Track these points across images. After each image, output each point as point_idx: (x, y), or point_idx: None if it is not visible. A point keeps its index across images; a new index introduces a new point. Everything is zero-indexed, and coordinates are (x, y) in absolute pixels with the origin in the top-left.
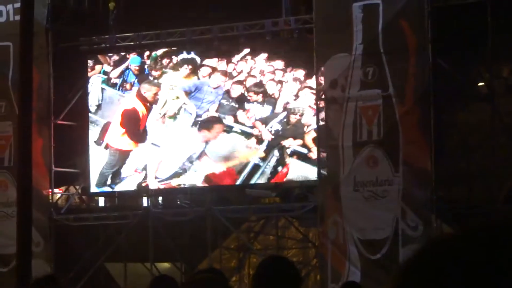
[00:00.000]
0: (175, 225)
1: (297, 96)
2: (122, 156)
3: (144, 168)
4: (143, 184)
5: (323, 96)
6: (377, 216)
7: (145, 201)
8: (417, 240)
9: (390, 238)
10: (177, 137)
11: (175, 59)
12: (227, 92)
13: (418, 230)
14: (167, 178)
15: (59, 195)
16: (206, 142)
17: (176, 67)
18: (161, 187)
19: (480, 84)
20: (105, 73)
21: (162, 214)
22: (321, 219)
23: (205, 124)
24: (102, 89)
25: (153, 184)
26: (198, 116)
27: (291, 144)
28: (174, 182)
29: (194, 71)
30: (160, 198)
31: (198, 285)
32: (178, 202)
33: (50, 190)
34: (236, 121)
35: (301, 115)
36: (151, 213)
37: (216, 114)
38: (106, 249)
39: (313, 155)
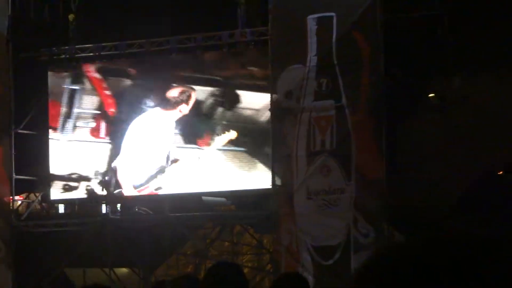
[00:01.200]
0: (133, 232)
1: None
2: None
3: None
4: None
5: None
6: (330, 223)
7: (103, 208)
8: (368, 247)
9: (342, 244)
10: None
11: None
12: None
13: (370, 238)
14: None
15: (19, 202)
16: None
17: None
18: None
19: (431, 94)
20: None
21: (120, 221)
22: (275, 226)
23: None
24: None
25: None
26: None
27: None
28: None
29: None
30: (118, 205)
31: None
32: (136, 210)
33: (11, 197)
34: None
35: None
36: (109, 220)
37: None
38: (66, 255)
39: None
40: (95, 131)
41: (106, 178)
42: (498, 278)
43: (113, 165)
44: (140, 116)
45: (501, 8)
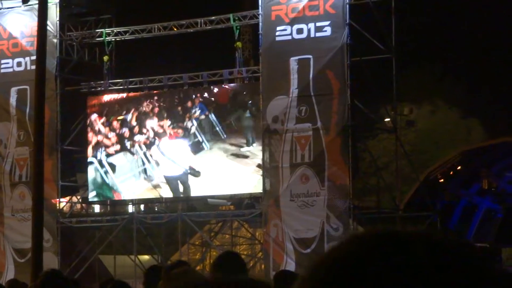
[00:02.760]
0: (154, 226)
1: None
2: None
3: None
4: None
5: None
6: (308, 220)
7: (130, 208)
8: (338, 238)
9: (318, 237)
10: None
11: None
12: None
13: (339, 231)
14: None
15: (64, 203)
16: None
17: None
18: None
19: (386, 119)
20: None
21: (144, 218)
22: (265, 222)
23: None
24: None
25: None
26: None
27: None
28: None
29: None
30: (142, 206)
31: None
32: (156, 209)
33: (57, 199)
34: None
35: None
36: (135, 217)
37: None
38: (100, 245)
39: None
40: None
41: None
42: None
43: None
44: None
45: (438, 50)
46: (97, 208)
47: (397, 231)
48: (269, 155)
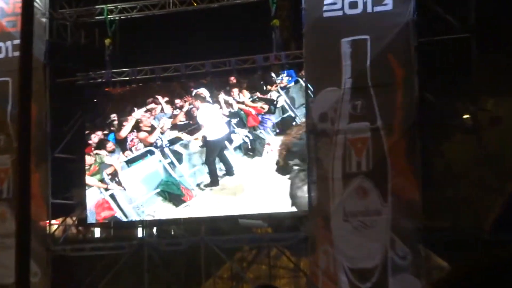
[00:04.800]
0: (170, 255)
1: None
2: None
3: None
4: None
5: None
6: (367, 245)
7: (139, 232)
8: (406, 269)
9: (380, 267)
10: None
11: None
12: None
13: (407, 260)
14: None
15: (56, 226)
16: None
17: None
18: None
19: (465, 116)
20: None
21: (157, 244)
22: (311, 248)
23: None
24: None
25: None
26: None
27: None
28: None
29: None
30: (154, 229)
31: None
32: (173, 233)
33: (48, 221)
34: None
35: None
36: (145, 243)
37: None
38: (103, 279)
39: None
40: None
41: None
42: None
43: None
44: None
45: None
46: (97, 232)
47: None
48: (316, 163)
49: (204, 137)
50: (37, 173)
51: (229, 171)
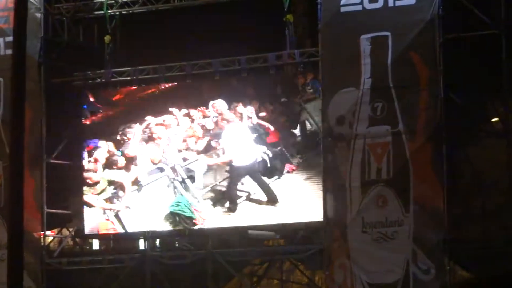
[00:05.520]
0: (174, 269)
1: None
2: None
3: None
4: None
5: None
6: (387, 258)
7: (141, 244)
8: (429, 284)
9: (401, 281)
10: None
11: None
12: None
13: (430, 274)
14: None
15: (51, 238)
16: None
17: None
18: None
19: (494, 119)
20: None
21: (160, 258)
22: (327, 262)
23: None
24: None
25: None
26: None
27: None
28: None
29: None
30: (157, 241)
31: None
32: (177, 245)
33: (42, 232)
34: None
35: None
36: (148, 256)
37: None
38: None
39: None
40: None
41: None
42: None
43: None
44: None
45: None
46: (96, 245)
47: None
48: (332, 170)
49: (230, 161)
50: (31, 180)
51: (271, 200)
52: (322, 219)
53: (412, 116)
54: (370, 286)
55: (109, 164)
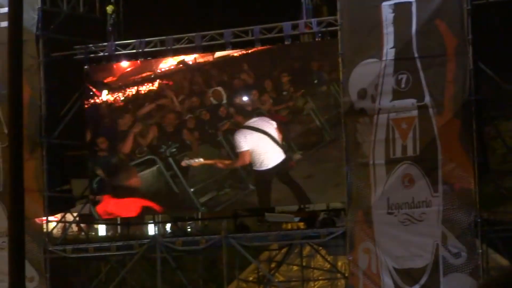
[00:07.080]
0: (186, 256)
1: None
2: None
3: None
4: None
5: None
6: (415, 242)
7: (151, 229)
8: (460, 268)
9: (430, 266)
10: None
11: None
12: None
13: (461, 257)
14: None
15: (54, 224)
16: None
17: None
18: None
19: None
20: None
21: (172, 243)
22: (350, 246)
23: None
24: None
25: None
26: None
27: None
28: None
29: None
30: (168, 226)
31: None
32: (189, 230)
33: (44, 218)
34: None
35: None
36: (158, 242)
37: None
38: (109, 284)
39: None
40: None
41: None
42: None
43: None
44: None
45: None
46: (102, 230)
47: None
48: (354, 147)
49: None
50: (31, 162)
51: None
52: (344, 201)
53: (439, 88)
54: (396, 272)
55: None
